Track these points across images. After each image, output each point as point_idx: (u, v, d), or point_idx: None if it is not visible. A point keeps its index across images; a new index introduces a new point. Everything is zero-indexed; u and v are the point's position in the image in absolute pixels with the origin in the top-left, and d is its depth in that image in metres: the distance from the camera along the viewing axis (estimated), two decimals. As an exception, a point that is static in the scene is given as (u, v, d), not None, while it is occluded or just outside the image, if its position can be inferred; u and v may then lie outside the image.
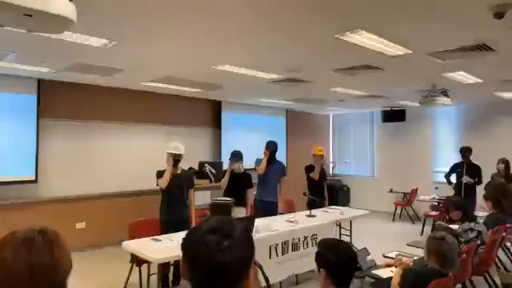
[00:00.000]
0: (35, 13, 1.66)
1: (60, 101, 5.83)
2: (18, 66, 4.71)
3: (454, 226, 3.90)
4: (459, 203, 4.50)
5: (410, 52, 3.82)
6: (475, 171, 6.39)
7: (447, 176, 6.77)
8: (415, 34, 3.36)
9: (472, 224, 3.91)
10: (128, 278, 4.17)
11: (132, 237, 3.86)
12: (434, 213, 7.51)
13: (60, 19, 1.74)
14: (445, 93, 5.69)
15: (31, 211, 5.33)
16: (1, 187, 5.16)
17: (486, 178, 6.34)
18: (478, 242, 3.76)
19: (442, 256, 2.52)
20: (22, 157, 5.38)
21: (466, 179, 6.38)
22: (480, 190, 6.18)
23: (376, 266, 3.31)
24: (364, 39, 3.45)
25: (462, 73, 4.94)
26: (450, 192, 6.93)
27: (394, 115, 9.33)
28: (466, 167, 6.48)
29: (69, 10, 1.73)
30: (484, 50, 3.77)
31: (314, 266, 1.90)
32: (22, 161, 5.39)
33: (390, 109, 9.24)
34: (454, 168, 6.68)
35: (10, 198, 5.20)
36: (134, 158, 6.54)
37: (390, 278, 2.81)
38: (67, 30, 3.01)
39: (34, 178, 5.47)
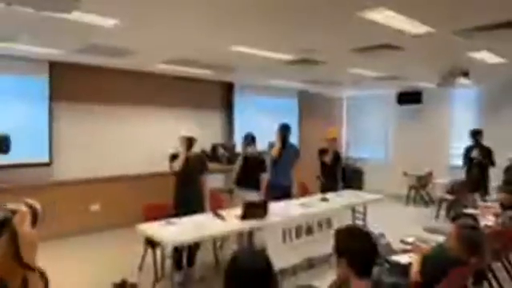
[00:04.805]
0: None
1: (73, 83, 5.80)
2: (29, 48, 4.66)
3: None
4: None
5: (433, 30, 3.64)
6: (487, 153, 6.33)
7: (464, 162, 6.65)
8: (438, 11, 3.19)
9: None
10: (142, 261, 4.21)
11: (146, 219, 3.86)
12: (449, 196, 7.39)
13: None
14: (465, 73, 5.48)
15: (45, 194, 5.36)
16: (15, 170, 5.20)
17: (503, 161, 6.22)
18: None
19: (476, 245, 2.44)
20: (35, 139, 5.39)
21: (474, 153, 6.30)
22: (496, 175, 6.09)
23: (393, 252, 3.25)
24: (384, 17, 3.28)
25: (485, 52, 4.72)
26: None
27: (410, 97, 9.10)
28: (479, 150, 6.41)
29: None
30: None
31: (327, 250, 1.84)
32: (36, 144, 5.41)
33: (405, 91, 9.01)
34: (467, 152, 6.58)
35: (24, 181, 5.23)
36: (147, 140, 6.54)
37: (409, 264, 2.75)
38: (75, 10, 2.94)
39: (47, 161, 5.51)
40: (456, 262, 2.50)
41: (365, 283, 1.72)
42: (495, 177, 6.34)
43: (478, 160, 6.28)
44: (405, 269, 2.68)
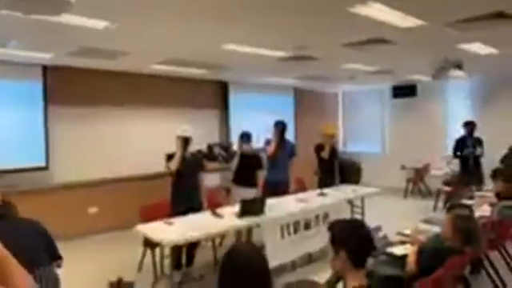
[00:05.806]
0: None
1: (67, 86, 5.79)
2: (21, 53, 4.65)
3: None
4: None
5: (424, 23, 3.65)
6: (478, 143, 6.46)
7: (455, 153, 6.79)
8: (428, 3, 3.20)
9: None
10: (141, 261, 4.22)
11: (144, 220, 3.87)
12: (447, 188, 7.42)
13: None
14: (458, 65, 5.50)
15: (44, 197, 5.38)
16: (13, 175, 5.19)
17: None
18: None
19: (469, 234, 2.47)
20: (31, 144, 5.38)
21: (469, 150, 6.44)
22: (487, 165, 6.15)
23: (390, 244, 3.27)
24: (375, 11, 3.29)
25: (477, 43, 4.74)
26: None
27: (405, 90, 9.15)
28: (473, 141, 6.51)
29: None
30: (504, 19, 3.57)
31: (325, 244, 1.84)
32: (33, 148, 5.40)
33: (400, 84, 9.04)
34: (460, 143, 6.66)
35: (22, 186, 5.22)
36: (143, 141, 6.53)
37: (405, 256, 2.77)
38: (65, 12, 2.93)
39: (44, 165, 5.50)
40: (452, 252, 2.53)
41: (361, 273, 1.73)
42: (489, 166, 6.40)
43: (472, 153, 6.38)
44: (400, 260, 2.70)
